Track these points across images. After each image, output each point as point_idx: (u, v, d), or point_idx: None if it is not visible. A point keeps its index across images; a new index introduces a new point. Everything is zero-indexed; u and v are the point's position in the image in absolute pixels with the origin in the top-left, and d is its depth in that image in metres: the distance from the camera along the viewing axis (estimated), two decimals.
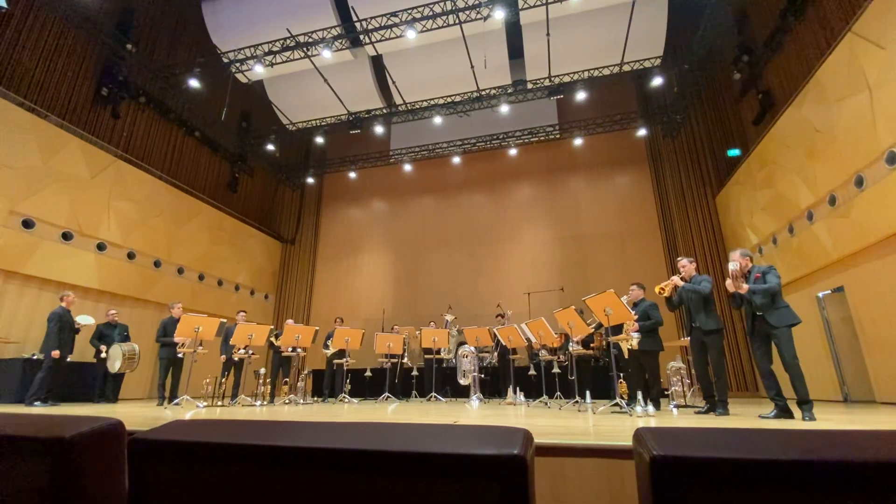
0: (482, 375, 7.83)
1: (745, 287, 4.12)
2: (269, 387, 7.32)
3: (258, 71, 10.69)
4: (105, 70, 9.54)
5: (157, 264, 9.90)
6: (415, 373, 7.83)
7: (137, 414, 4.50)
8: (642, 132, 11.70)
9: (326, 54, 9.98)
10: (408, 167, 13.64)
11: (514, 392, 6.66)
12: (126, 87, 9.82)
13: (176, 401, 6.36)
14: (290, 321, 7.92)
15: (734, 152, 10.46)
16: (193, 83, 10.29)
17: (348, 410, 5.23)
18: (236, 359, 6.93)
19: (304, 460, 0.52)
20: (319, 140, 13.23)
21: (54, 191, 7.87)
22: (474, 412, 4.81)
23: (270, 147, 12.84)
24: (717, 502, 0.42)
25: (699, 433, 0.48)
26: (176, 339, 6.49)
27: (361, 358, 8.59)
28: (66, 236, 8.09)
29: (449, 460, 0.46)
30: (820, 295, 7.63)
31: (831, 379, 7.31)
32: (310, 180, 14.35)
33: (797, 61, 8.24)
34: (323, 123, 12.96)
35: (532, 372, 7.01)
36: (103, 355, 7.31)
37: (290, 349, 7.22)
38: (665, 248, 11.14)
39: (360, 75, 11.43)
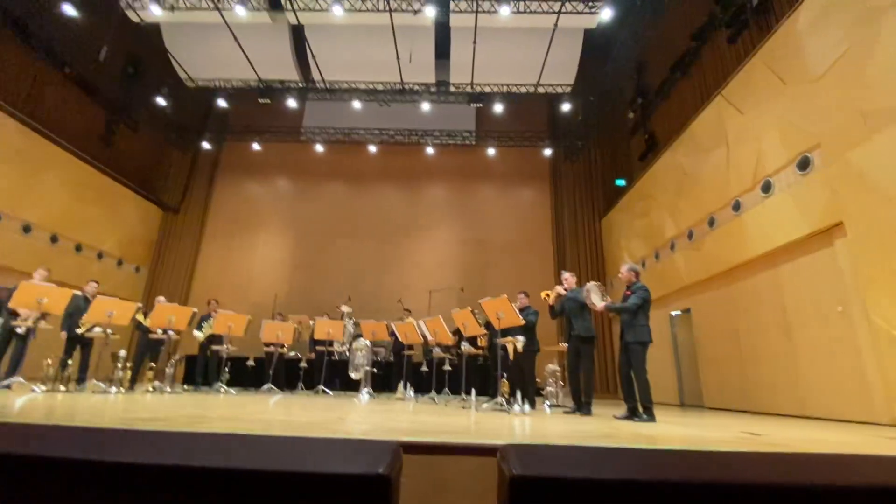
0: (374, 370, 7.76)
1: (600, 305, 4.68)
2: (129, 372, 6.42)
3: (155, 12, 9.33)
4: None
5: None
6: (303, 364, 7.48)
7: None
8: (548, 152, 12.60)
9: (240, 10, 9.07)
10: (319, 148, 12.99)
11: (405, 387, 6.72)
12: None
13: (6, 383, 5.28)
14: (161, 299, 7.05)
15: (621, 182, 11.77)
16: (69, 9, 8.63)
17: (221, 402, 4.81)
18: (87, 336, 5.98)
19: (127, 478, 0.44)
20: (222, 103, 12.00)
21: None
22: (362, 407, 4.75)
23: (161, 101, 11.30)
24: None
25: (562, 452, 0.52)
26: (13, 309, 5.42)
27: (245, 345, 7.97)
28: None
29: (306, 480, 0.43)
30: (672, 314, 8.92)
31: (673, 386, 8.59)
32: (205, 145, 12.93)
33: (678, 111, 9.53)
34: (228, 85, 11.79)
35: (424, 368, 7.13)
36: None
37: (159, 331, 6.42)
38: (555, 261, 12.14)
39: (277, 42, 10.62)
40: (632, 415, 4.37)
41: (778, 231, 6.01)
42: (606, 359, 10.95)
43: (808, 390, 5.57)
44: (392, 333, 7.48)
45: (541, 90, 11.49)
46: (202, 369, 7.35)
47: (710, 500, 0.48)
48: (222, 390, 6.70)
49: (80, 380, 6.19)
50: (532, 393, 5.50)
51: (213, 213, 12.97)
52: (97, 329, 6.01)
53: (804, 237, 5.65)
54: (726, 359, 7.11)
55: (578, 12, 9.25)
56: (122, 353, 6.28)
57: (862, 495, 0.53)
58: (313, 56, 10.63)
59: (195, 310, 6.90)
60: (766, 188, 6.25)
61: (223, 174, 13.38)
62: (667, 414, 5.55)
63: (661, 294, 8.91)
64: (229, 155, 13.50)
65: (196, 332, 7.26)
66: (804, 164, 5.62)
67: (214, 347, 7.17)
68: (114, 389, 5.74)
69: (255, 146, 12.93)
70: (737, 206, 6.85)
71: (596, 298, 4.79)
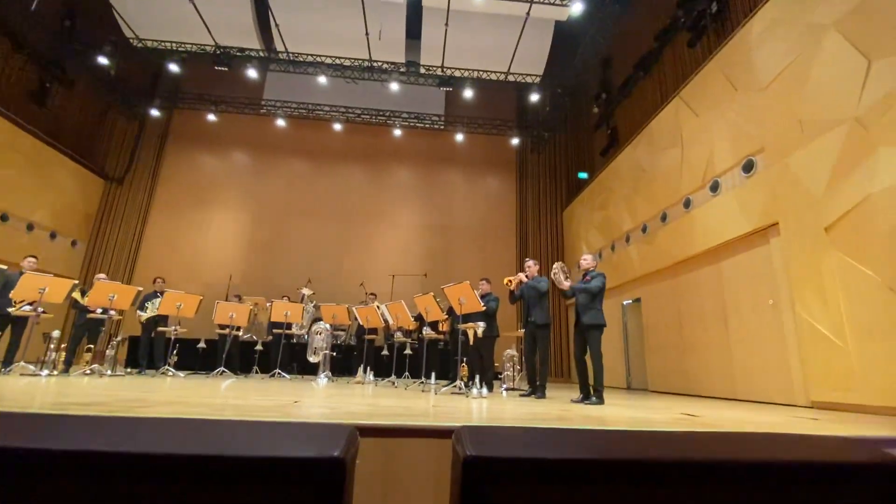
0: (334, 353, 7.68)
1: (566, 284, 4.87)
2: (62, 353, 6.01)
3: None
4: None
5: None
6: (259, 347, 7.28)
7: None
8: (515, 141, 12.70)
9: None
10: (281, 122, 12.48)
11: (365, 371, 6.69)
12: None
13: None
14: (101, 276, 6.61)
15: (583, 175, 12.08)
16: None
17: (166, 386, 4.61)
18: (15, 315, 5.54)
19: (56, 465, 0.41)
20: (174, 67, 11.21)
21: None
22: (320, 391, 4.69)
23: (104, 60, 10.40)
24: (520, 498, 0.47)
25: (514, 433, 0.54)
26: None
27: (196, 327, 7.63)
28: None
29: (256, 464, 0.42)
30: (624, 303, 9.35)
31: (622, 370, 9.06)
32: (154, 112, 12.09)
33: (639, 109, 9.84)
34: (181, 48, 11.01)
35: (385, 352, 7.14)
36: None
37: (99, 310, 6.03)
38: (517, 249, 12.37)
39: (237, 6, 10.00)
40: (586, 397, 4.58)
41: (722, 228, 6.40)
42: (561, 345, 11.36)
43: (739, 375, 6.03)
44: (354, 318, 7.41)
45: (511, 79, 11.49)
46: (146, 351, 6.99)
47: (652, 477, 0.51)
48: (169, 373, 6.42)
49: (7, 361, 5.73)
50: (490, 377, 5.63)
51: (161, 186, 12.21)
52: (27, 307, 5.57)
53: (744, 235, 6.04)
54: (670, 346, 7.56)
55: (550, 3, 9.28)
56: (56, 333, 5.87)
57: (783, 470, 0.59)
58: (276, 25, 10.09)
59: (140, 289, 6.52)
60: (714, 187, 6.61)
61: (174, 144, 12.58)
62: (614, 397, 5.85)
63: (615, 284, 9.29)
64: (181, 124, 12.69)
65: (139, 312, 6.88)
66: (749, 167, 5.98)
67: (160, 328, 6.83)
68: (45, 372, 5.37)
69: (211, 116, 12.22)
70: (687, 204, 7.21)
71: (562, 277, 4.99)
